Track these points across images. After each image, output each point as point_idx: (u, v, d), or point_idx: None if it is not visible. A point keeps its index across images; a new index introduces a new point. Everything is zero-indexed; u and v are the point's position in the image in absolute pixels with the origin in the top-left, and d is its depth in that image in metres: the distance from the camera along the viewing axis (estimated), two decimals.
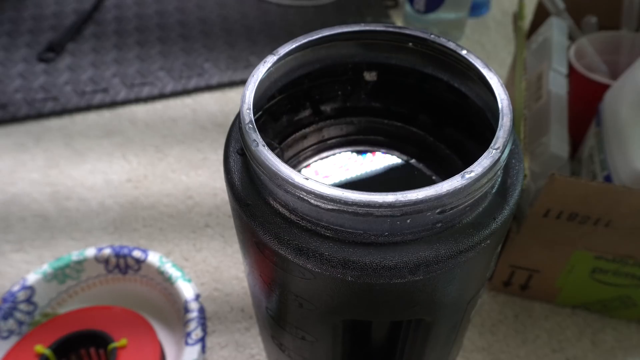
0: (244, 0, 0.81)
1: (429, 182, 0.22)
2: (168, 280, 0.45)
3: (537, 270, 0.44)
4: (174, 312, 0.45)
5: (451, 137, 0.32)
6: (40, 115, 0.63)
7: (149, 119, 0.64)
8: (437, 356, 0.31)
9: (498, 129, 0.23)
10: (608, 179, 0.40)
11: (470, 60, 0.27)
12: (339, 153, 0.34)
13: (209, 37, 0.74)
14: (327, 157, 0.34)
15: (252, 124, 0.24)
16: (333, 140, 0.34)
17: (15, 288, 0.44)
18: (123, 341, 0.41)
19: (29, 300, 0.44)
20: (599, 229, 0.39)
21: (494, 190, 0.25)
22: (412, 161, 0.33)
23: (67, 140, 0.62)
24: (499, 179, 0.25)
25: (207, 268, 0.50)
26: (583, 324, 0.46)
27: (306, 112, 0.33)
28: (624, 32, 0.51)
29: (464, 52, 0.27)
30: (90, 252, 0.46)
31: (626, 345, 0.44)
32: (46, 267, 0.45)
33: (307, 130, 0.33)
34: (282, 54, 0.27)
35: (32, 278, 0.45)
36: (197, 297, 0.44)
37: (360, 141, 0.34)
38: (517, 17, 0.52)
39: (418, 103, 0.32)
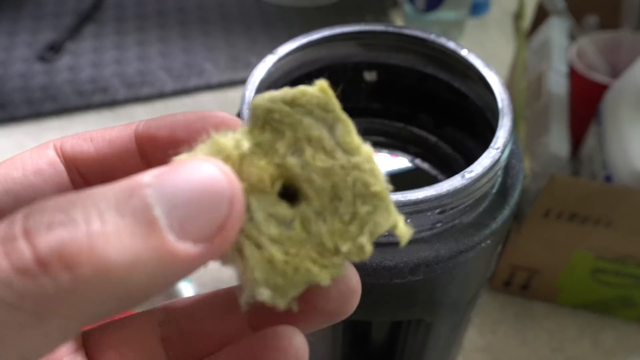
0: (244, 0, 0.81)
1: (431, 182, 0.22)
2: None
3: (537, 270, 0.44)
4: None
5: (452, 136, 0.32)
6: (39, 115, 0.63)
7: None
8: (437, 356, 0.31)
9: (498, 128, 0.23)
10: (608, 179, 0.40)
11: (470, 60, 0.27)
12: None
13: (208, 36, 0.74)
14: None
15: None
16: None
17: None
18: None
19: None
20: (599, 229, 0.39)
21: (494, 190, 0.25)
22: (414, 161, 0.33)
23: None
24: (499, 179, 0.25)
25: (207, 268, 0.50)
26: (583, 324, 0.46)
27: None
28: (624, 31, 0.51)
29: (464, 52, 0.27)
30: None
31: (626, 345, 0.44)
32: None
33: None
34: (282, 54, 0.27)
35: None
36: None
37: None
38: (517, 17, 0.52)
39: (418, 103, 0.32)
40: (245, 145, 0.14)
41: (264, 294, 0.13)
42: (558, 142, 0.42)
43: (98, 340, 0.16)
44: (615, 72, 0.51)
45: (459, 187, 0.21)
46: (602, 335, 0.45)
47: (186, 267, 0.11)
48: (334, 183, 0.14)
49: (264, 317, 0.16)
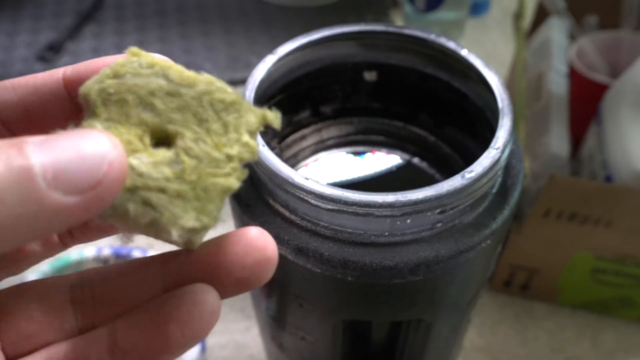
0: (244, 0, 0.81)
1: (431, 182, 0.22)
2: None
3: (537, 270, 0.44)
4: None
5: (452, 136, 0.32)
6: None
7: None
8: (437, 356, 0.31)
9: (498, 128, 0.23)
10: (608, 179, 0.40)
11: (470, 60, 0.27)
12: (339, 153, 0.34)
13: (208, 36, 0.74)
14: (326, 157, 0.34)
15: None
16: (332, 141, 0.34)
17: None
18: None
19: None
20: (599, 229, 0.39)
21: (494, 190, 0.25)
22: (414, 160, 0.33)
23: None
24: (499, 179, 0.25)
25: None
26: (583, 324, 0.46)
27: (306, 113, 0.33)
28: (624, 31, 0.51)
29: (464, 52, 0.27)
30: (90, 252, 0.46)
31: (626, 345, 0.44)
32: (45, 267, 0.45)
33: (306, 130, 0.33)
34: (282, 54, 0.27)
35: (31, 278, 0.45)
36: None
37: (360, 141, 0.34)
38: (517, 17, 0.52)
39: (418, 103, 0.32)
40: (98, 126, 0.15)
41: (189, 221, 0.15)
42: (558, 142, 0.42)
43: (6, 301, 0.16)
44: (615, 72, 0.51)
45: (459, 187, 0.21)
46: (602, 335, 0.45)
47: (53, 216, 0.12)
48: (194, 112, 0.16)
49: (179, 281, 0.16)
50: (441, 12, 0.69)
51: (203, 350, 0.41)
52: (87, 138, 0.13)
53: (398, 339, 0.30)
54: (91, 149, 0.12)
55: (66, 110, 0.17)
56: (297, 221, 0.23)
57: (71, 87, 0.16)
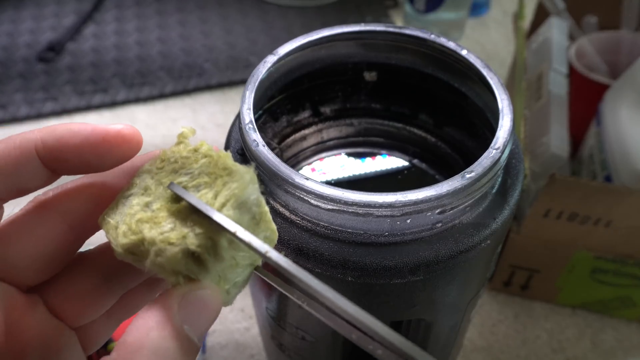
0: (244, 0, 0.81)
1: (431, 182, 0.22)
2: None
3: (537, 270, 0.44)
4: None
5: (452, 137, 0.32)
6: (40, 116, 0.63)
7: (148, 119, 0.64)
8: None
9: (498, 129, 0.23)
10: (608, 179, 0.40)
11: (470, 60, 0.27)
12: (339, 154, 0.34)
13: (209, 37, 0.74)
14: (326, 158, 0.34)
15: (252, 124, 0.24)
16: (332, 142, 0.34)
17: None
18: None
19: None
20: (599, 229, 0.39)
21: (494, 190, 0.25)
22: (414, 162, 0.33)
23: None
24: (499, 179, 0.25)
25: None
26: (583, 324, 0.46)
27: (306, 113, 0.33)
28: (624, 32, 0.51)
29: (464, 52, 0.27)
30: None
31: (626, 345, 0.44)
32: None
33: (306, 131, 0.33)
34: (282, 54, 0.27)
35: None
36: None
37: (360, 143, 0.34)
38: (517, 17, 0.52)
39: (418, 103, 0.32)
40: (206, 281, 0.17)
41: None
42: (558, 142, 0.42)
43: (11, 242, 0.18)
44: (615, 72, 0.51)
45: (459, 187, 0.21)
46: (602, 335, 0.45)
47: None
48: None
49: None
50: (441, 12, 0.69)
51: (203, 350, 0.41)
52: (213, 309, 0.17)
53: None
54: (215, 314, 0.17)
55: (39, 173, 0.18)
56: (297, 221, 0.23)
57: (47, 157, 0.18)
